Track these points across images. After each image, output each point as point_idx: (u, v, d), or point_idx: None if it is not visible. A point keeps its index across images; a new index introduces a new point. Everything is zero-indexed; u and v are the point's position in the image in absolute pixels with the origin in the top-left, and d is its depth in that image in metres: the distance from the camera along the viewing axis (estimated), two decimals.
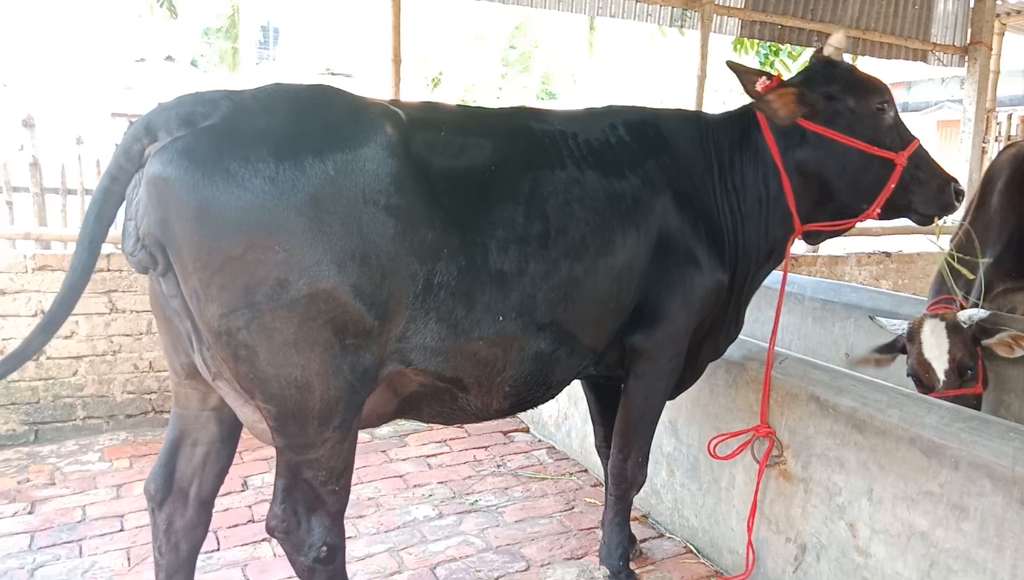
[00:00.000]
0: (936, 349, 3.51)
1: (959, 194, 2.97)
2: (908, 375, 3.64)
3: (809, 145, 2.88)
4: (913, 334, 3.62)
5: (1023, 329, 3.52)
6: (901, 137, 2.91)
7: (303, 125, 2.16)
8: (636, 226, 2.73)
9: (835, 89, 2.85)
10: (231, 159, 2.03)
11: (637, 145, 2.87)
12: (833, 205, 2.97)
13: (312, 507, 2.36)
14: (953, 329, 3.51)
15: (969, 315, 3.52)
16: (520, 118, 2.78)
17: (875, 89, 2.89)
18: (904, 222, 3.14)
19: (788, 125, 2.83)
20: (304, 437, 2.26)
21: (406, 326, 2.32)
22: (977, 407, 3.55)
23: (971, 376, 3.49)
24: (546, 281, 2.52)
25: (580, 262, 2.59)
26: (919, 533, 2.64)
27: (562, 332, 2.63)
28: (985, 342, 3.51)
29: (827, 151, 2.86)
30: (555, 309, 2.57)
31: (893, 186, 2.86)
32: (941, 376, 3.49)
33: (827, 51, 2.93)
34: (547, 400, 2.87)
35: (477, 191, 2.44)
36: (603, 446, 3.54)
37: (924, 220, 3.04)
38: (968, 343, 3.49)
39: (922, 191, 2.92)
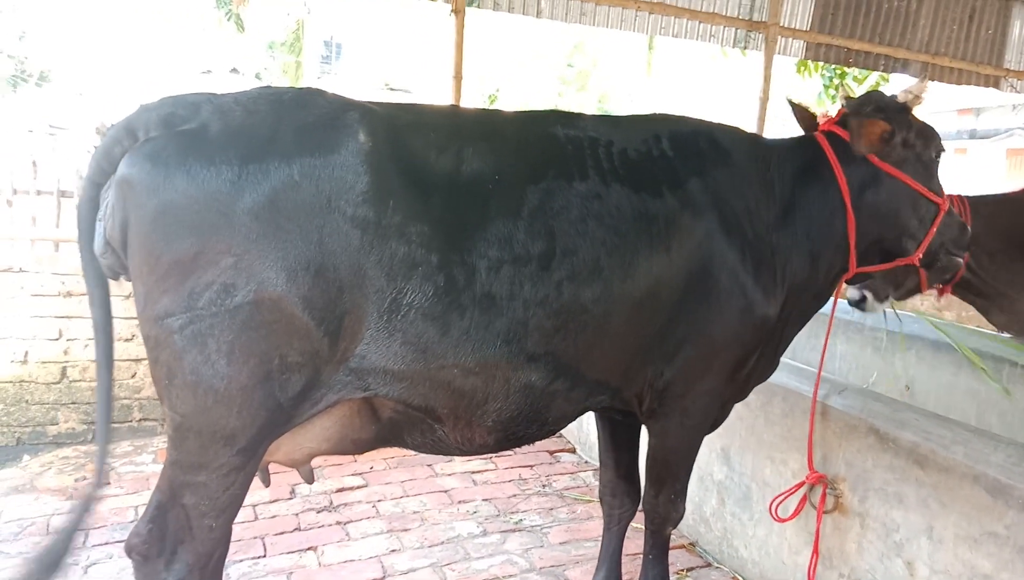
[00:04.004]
0: None
1: (968, 236, 3.11)
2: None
3: (880, 185, 2.83)
4: None
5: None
6: (939, 183, 2.97)
7: (277, 128, 2.08)
8: (667, 251, 2.47)
9: (910, 135, 2.84)
10: (195, 161, 1.97)
11: (683, 160, 2.61)
12: (885, 246, 2.92)
13: (180, 538, 2.17)
14: None
15: None
16: (542, 123, 2.54)
17: (935, 137, 2.94)
18: None
19: (861, 156, 2.79)
20: (201, 455, 2.11)
21: (365, 347, 2.15)
22: None
23: None
24: (543, 307, 2.27)
25: (589, 287, 2.33)
26: (982, 576, 2.54)
27: (560, 364, 2.38)
28: None
29: (895, 193, 2.85)
30: (552, 338, 2.32)
31: (935, 230, 2.90)
32: None
33: (904, 97, 2.87)
34: (546, 436, 2.63)
35: (471, 203, 2.23)
36: (606, 493, 3.21)
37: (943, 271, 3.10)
38: None
39: (950, 234, 3.00)
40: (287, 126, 2.09)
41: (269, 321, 2.02)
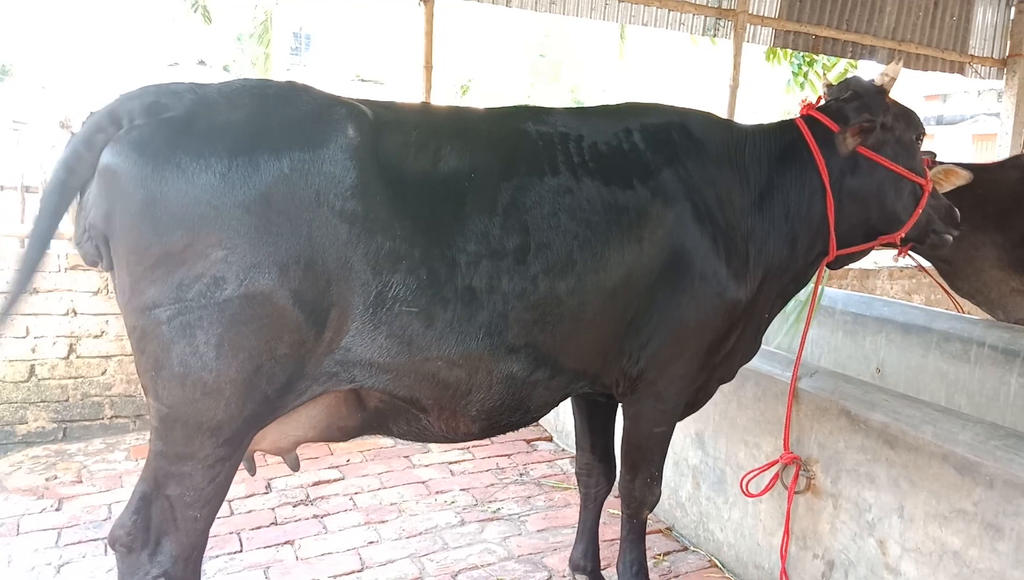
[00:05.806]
0: None
1: (958, 217, 3.13)
2: None
3: (861, 170, 2.86)
4: None
5: None
6: (922, 164, 3.00)
7: (264, 121, 2.08)
8: (639, 241, 2.52)
9: (889, 119, 2.87)
10: (183, 153, 1.97)
11: (653, 151, 2.65)
12: (867, 229, 2.96)
13: (165, 530, 2.18)
14: None
15: None
16: (514, 119, 2.58)
17: (915, 120, 2.97)
18: None
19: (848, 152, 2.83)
20: (186, 446, 2.11)
21: (351, 340, 2.18)
22: None
23: None
24: (521, 300, 2.32)
25: (564, 280, 2.38)
26: (951, 552, 2.58)
27: (540, 354, 2.43)
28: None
29: (876, 177, 2.88)
30: (531, 330, 2.37)
31: (920, 211, 2.94)
32: None
33: (881, 81, 2.90)
34: (531, 423, 2.69)
35: (448, 199, 2.28)
36: (583, 474, 3.29)
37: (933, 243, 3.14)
38: None
39: (935, 215, 3.05)
40: (274, 120, 2.11)
41: (259, 314, 2.03)
